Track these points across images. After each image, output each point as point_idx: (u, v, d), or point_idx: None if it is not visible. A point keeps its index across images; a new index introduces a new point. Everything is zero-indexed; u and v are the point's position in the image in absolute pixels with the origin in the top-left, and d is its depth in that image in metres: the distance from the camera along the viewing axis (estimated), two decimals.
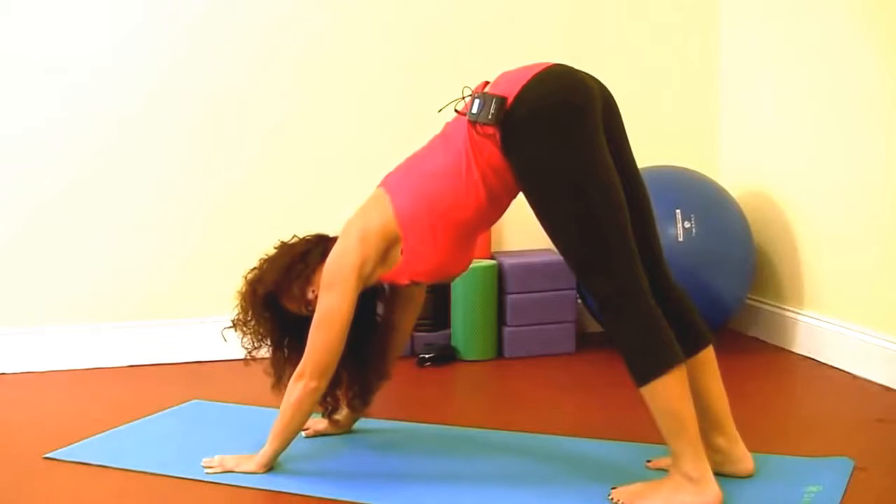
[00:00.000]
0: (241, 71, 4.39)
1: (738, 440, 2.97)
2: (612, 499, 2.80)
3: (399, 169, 3.08)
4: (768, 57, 4.45)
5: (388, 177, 3.07)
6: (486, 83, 2.93)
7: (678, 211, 4.10)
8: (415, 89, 4.48)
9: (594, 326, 4.60)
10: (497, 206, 2.97)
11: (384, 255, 2.98)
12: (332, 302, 2.94)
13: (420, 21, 4.52)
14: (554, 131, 2.75)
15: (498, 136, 2.81)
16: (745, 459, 2.96)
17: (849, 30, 3.96)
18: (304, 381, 2.95)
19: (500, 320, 4.38)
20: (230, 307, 4.37)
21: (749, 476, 2.94)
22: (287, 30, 4.41)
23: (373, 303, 3.25)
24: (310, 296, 3.08)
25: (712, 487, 2.72)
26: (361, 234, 2.97)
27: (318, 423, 3.35)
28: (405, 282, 3.04)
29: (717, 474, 2.80)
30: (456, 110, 2.97)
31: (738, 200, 4.39)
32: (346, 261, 2.96)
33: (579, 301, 4.45)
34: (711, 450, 2.89)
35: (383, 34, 4.49)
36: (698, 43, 4.76)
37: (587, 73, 2.91)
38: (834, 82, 4.04)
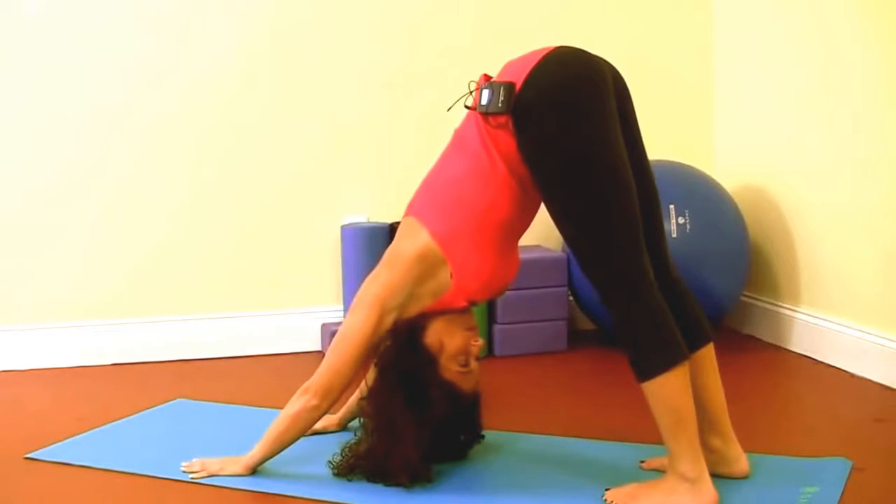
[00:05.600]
0: (221, 66, 4.34)
1: (734, 440, 2.93)
2: (606, 500, 2.76)
3: (420, 191, 3.00)
4: (764, 50, 4.42)
5: (411, 203, 2.99)
6: (488, 76, 2.87)
7: (672, 206, 4.06)
8: (403, 89, 4.46)
9: (586, 324, 4.56)
10: (532, 196, 2.88)
11: (424, 282, 2.88)
12: (350, 326, 2.88)
13: (409, 17, 4.48)
14: (564, 112, 2.70)
15: (510, 123, 2.75)
16: (740, 460, 2.92)
17: (845, 22, 3.93)
18: (307, 396, 2.90)
19: (491, 318, 4.33)
20: (213, 304, 4.38)
21: (744, 477, 2.91)
22: (274, 28, 4.37)
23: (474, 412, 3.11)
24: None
25: (708, 489, 2.69)
26: (390, 262, 2.91)
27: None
28: (463, 304, 2.94)
29: (712, 475, 2.75)
30: (466, 106, 2.92)
31: (733, 195, 4.36)
32: (371, 288, 2.89)
33: (571, 298, 4.41)
34: (706, 449, 2.84)
35: (371, 35, 4.45)
36: (692, 35, 4.73)
37: (596, 55, 2.85)
38: (831, 76, 4.01)
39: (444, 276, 2.88)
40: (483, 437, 3.15)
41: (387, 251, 2.97)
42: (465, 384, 2.97)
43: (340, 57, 4.41)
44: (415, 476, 2.89)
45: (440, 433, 2.95)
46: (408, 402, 2.89)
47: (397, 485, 2.88)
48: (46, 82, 4.20)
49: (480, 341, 2.99)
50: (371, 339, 2.87)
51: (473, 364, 2.98)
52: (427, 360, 2.92)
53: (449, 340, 2.93)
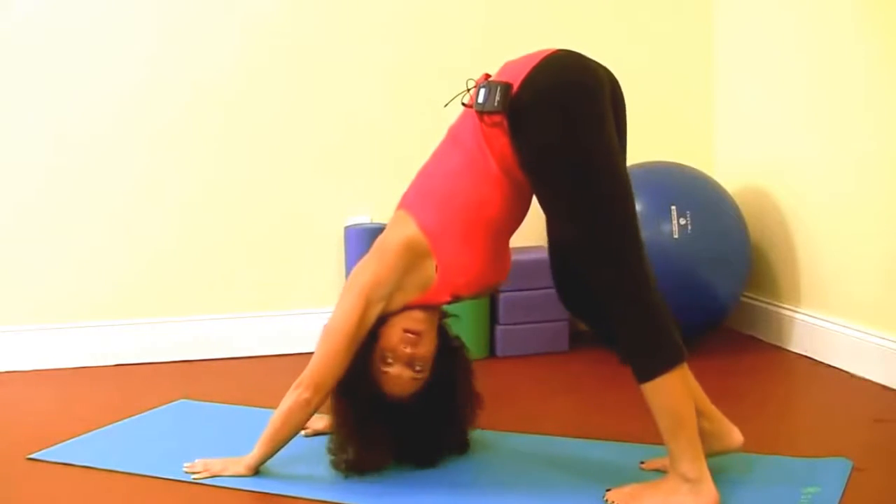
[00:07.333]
0: (226, 68, 4.35)
1: (721, 417, 2.89)
2: (607, 500, 2.76)
3: (413, 185, 3.00)
4: (764, 51, 4.41)
5: (403, 196, 3.00)
6: (488, 75, 2.88)
7: (673, 207, 4.05)
8: (407, 90, 4.47)
9: None
10: (524, 196, 2.90)
11: (410, 275, 2.88)
12: (336, 318, 2.89)
13: (414, 20, 4.48)
14: (561, 113, 2.70)
15: (506, 123, 2.76)
16: (732, 432, 2.89)
17: (847, 22, 3.92)
18: (299, 391, 2.90)
19: (493, 319, 4.33)
20: (217, 305, 4.39)
21: (740, 448, 2.89)
22: (278, 29, 4.37)
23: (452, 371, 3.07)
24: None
25: (709, 489, 2.69)
26: (378, 253, 2.91)
27: (315, 421, 3.28)
28: (447, 299, 2.94)
29: (710, 455, 2.76)
30: (463, 103, 2.92)
31: (733, 196, 4.35)
32: (358, 279, 2.89)
33: None
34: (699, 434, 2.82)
35: (376, 38, 4.45)
36: (693, 37, 4.72)
37: (595, 60, 2.86)
38: (832, 77, 4.00)
39: (430, 270, 2.89)
40: (466, 445, 3.14)
41: (375, 242, 2.97)
42: (387, 386, 2.91)
43: (345, 59, 4.40)
44: (351, 465, 2.94)
45: (397, 431, 2.96)
46: (344, 386, 2.90)
47: (347, 473, 2.94)
48: (50, 86, 4.21)
49: (409, 350, 2.88)
50: (357, 329, 2.86)
51: (397, 369, 2.89)
52: (365, 348, 2.90)
53: (384, 334, 2.90)
